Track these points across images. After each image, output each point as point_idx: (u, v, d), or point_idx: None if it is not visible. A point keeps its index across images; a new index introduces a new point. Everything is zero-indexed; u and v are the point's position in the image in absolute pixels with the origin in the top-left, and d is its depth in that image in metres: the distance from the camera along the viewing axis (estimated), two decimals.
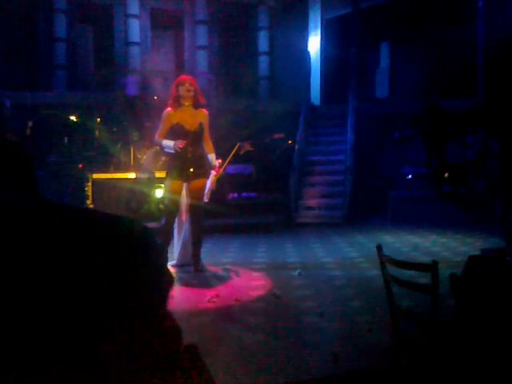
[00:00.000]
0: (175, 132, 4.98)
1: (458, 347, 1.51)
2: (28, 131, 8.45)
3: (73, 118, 8.71)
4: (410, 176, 9.62)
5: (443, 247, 6.46)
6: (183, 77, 5.18)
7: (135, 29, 11.60)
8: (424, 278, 2.24)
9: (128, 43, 11.56)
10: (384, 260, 2.25)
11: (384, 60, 12.59)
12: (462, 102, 9.55)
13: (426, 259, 4.88)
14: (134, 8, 11.57)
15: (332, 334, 3.37)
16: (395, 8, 11.40)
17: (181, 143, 4.85)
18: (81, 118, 8.88)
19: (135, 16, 11.58)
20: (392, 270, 2.25)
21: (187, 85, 4.97)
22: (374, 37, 12.17)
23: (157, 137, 5.07)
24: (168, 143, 4.93)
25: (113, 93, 10.76)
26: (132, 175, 7.66)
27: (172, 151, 4.94)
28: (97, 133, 8.86)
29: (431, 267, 2.01)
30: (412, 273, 2.60)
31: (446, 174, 8.83)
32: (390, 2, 11.56)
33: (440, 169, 8.83)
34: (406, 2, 11.19)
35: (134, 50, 11.59)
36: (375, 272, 4.88)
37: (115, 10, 11.71)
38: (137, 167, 7.99)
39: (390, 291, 2.25)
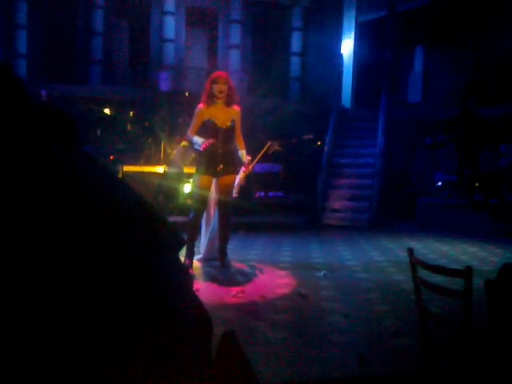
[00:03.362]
0: (207, 128, 4.98)
1: (495, 353, 1.50)
2: None
3: (107, 111, 8.89)
4: (440, 183, 9.47)
5: (472, 256, 6.35)
6: (218, 74, 5.05)
7: (170, 26, 11.76)
8: (452, 285, 2.21)
9: (163, 40, 11.72)
10: (415, 263, 2.23)
11: (418, 64, 12.42)
12: (497, 109, 9.35)
13: (454, 267, 4.80)
14: (170, 5, 11.73)
15: (357, 336, 3.35)
16: (432, 11, 11.24)
17: (205, 144, 4.80)
18: (114, 111, 9.05)
19: (171, 13, 11.73)
20: (419, 275, 2.23)
21: (221, 83, 4.89)
22: (409, 40, 12.02)
23: (189, 132, 5.06)
24: (197, 140, 4.90)
25: (146, 88, 10.93)
26: (161, 169, 7.77)
27: (200, 148, 4.92)
28: (129, 126, 9.03)
29: (465, 273, 1.99)
30: (439, 279, 2.57)
31: (477, 184, 8.67)
32: (426, 5, 11.40)
33: (472, 177, 8.67)
34: (443, 5, 11.01)
35: (169, 47, 11.75)
36: (402, 277, 4.83)
37: (152, 6, 11.90)
38: (166, 161, 8.10)
39: (419, 294, 2.23)
